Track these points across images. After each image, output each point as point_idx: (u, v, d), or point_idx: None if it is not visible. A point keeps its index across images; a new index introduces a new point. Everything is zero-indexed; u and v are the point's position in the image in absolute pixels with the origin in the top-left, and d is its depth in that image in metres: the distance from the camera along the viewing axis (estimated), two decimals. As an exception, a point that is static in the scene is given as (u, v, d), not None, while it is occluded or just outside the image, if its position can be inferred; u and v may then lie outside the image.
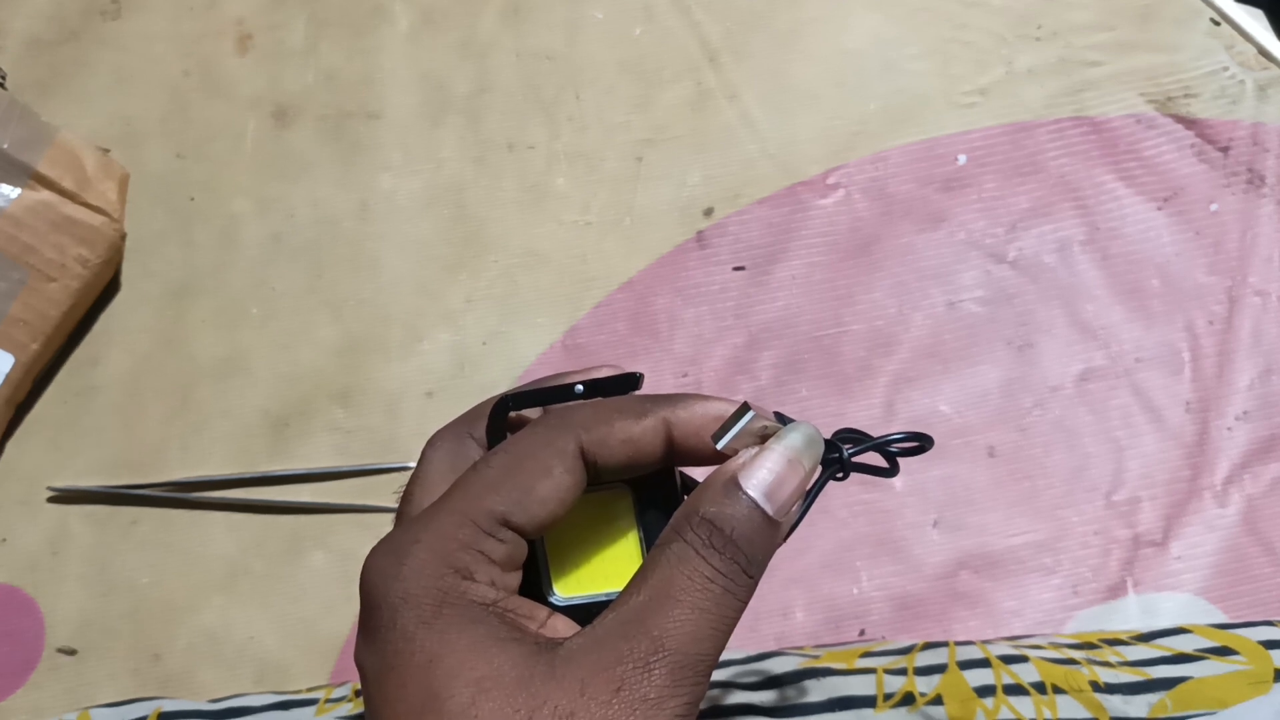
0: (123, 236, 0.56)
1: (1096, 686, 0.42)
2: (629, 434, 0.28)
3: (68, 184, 0.53)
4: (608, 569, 0.30)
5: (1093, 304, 0.53)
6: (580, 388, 0.30)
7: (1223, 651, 0.44)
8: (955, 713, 0.42)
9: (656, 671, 0.25)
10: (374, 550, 0.27)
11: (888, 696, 0.43)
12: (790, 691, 0.43)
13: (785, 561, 0.50)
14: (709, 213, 0.56)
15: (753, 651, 0.46)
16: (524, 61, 0.60)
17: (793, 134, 0.57)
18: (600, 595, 0.29)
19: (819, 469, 0.28)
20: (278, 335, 0.56)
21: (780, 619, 0.49)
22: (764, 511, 0.26)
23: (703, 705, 0.42)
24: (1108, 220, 0.55)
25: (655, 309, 0.54)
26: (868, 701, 0.42)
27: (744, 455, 0.27)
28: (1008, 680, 0.42)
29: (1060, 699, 0.42)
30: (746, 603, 0.27)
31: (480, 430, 0.30)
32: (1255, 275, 0.53)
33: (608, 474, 0.28)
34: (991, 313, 0.54)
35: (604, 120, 0.59)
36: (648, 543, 0.30)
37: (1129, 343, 0.52)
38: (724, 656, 0.46)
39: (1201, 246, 0.54)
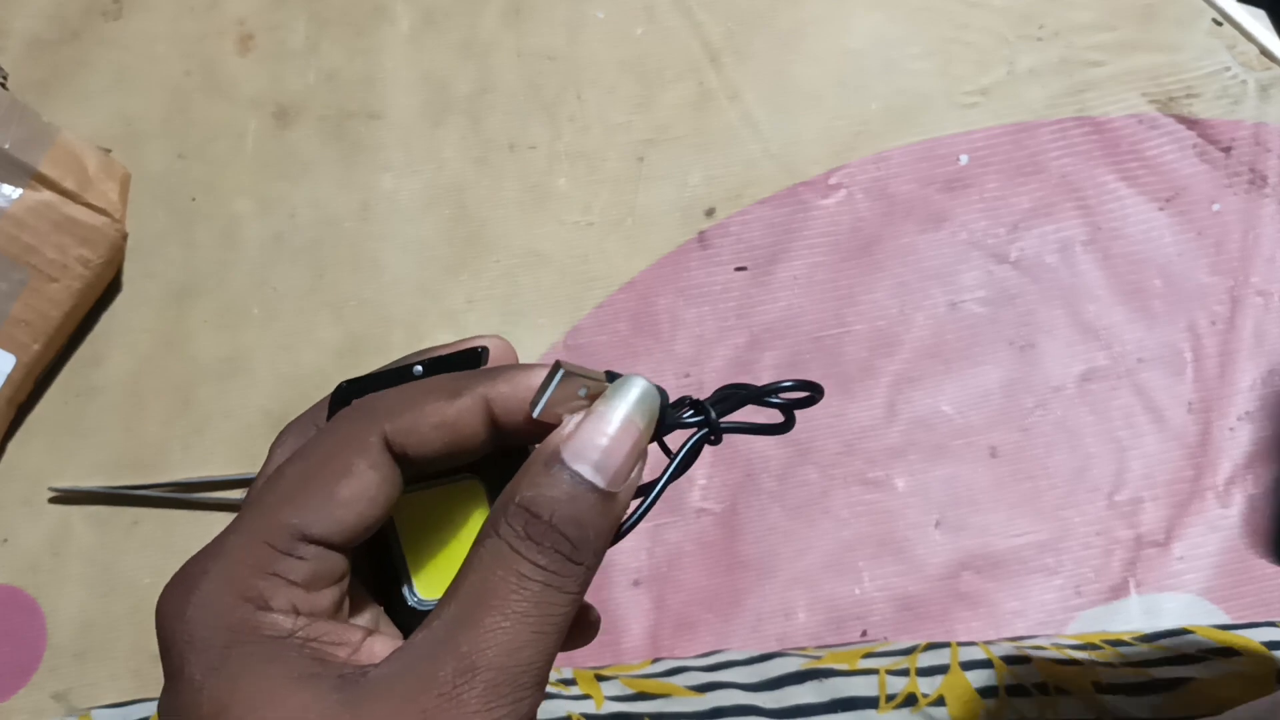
0: (124, 237, 0.56)
1: (1099, 687, 0.42)
2: (442, 417, 0.25)
3: (69, 184, 0.53)
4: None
5: (1095, 304, 0.53)
6: (419, 369, 0.27)
7: (1225, 652, 0.44)
8: (958, 713, 0.42)
9: (466, 695, 0.22)
10: (167, 584, 0.25)
11: (890, 697, 0.43)
12: (792, 692, 0.43)
13: (787, 562, 0.50)
14: (711, 213, 0.56)
15: (755, 652, 0.46)
16: (525, 61, 0.60)
17: (794, 134, 0.57)
18: None
19: (660, 425, 0.25)
20: (279, 336, 0.56)
21: (782, 619, 0.49)
22: (592, 485, 0.23)
23: (705, 707, 0.42)
24: (1110, 220, 0.55)
25: (657, 309, 0.54)
26: (870, 702, 0.42)
27: (568, 425, 0.24)
28: (1010, 681, 0.42)
29: (1063, 699, 0.42)
30: (579, 593, 0.24)
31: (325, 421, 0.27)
32: (1257, 275, 0.53)
33: (430, 464, 0.25)
34: (993, 313, 0.54)
35: (605, 120, 0.59)
36: None
37: (1131, 343, 0.52)
38: (725, 657, 0.45)
39: (1203, 247, 0.54)
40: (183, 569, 0.25)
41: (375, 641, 0.25)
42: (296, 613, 0.24)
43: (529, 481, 0.24)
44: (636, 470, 0.24)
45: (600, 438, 0.24)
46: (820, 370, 0.53)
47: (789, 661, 0.44)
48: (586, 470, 0.23)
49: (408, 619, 0.27)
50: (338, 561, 0.24)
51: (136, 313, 0.57)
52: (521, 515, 0.23)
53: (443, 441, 0.25)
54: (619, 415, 0.24)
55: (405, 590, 0.27)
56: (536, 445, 0.25)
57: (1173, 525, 0.49)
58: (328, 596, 0.24)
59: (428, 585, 0.27)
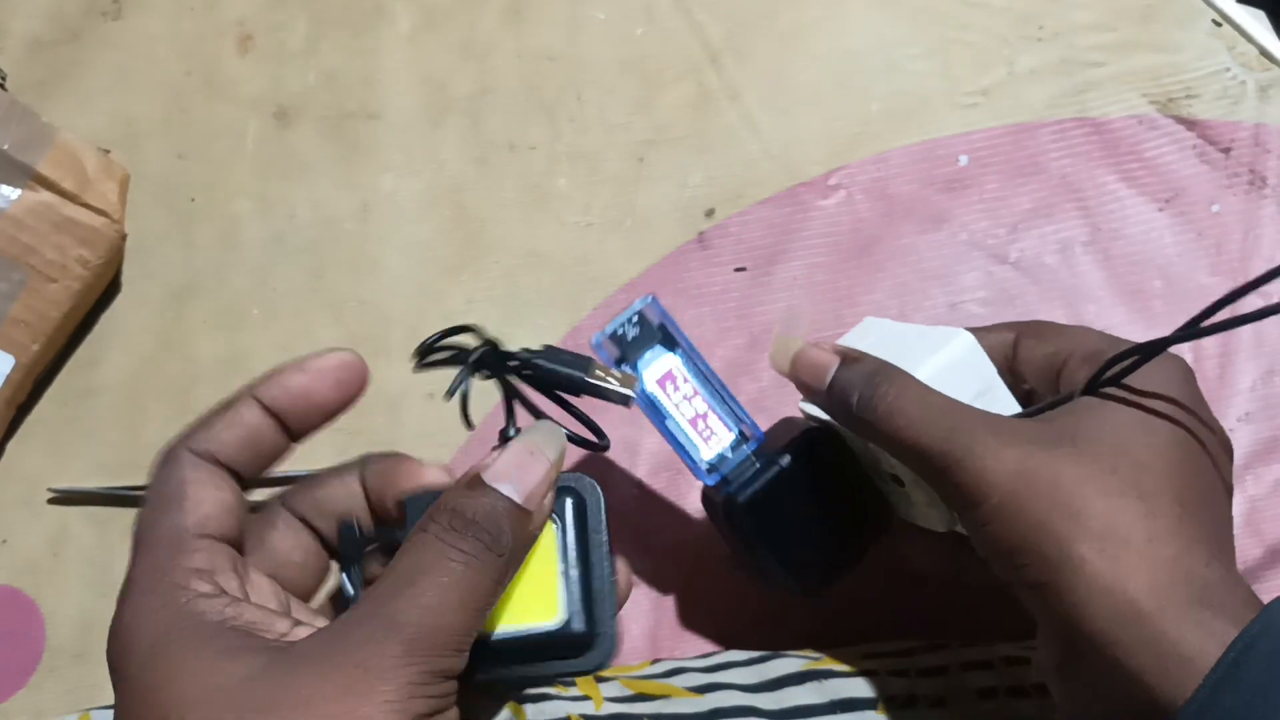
0: (123, 237, 0.56)
1: (1099, 688, 0.42)
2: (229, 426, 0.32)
3: (68, 185, 0.53)
4: (530, 600, 0.30)
5: (1094, 305, 0.53)
6: None
7: (1225, 653, 0.44)
8: (958, 714, 0.42)
9: (389, 644, 0.25)
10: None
11: (890, 698, 0.42)
12: (792, 693, 0.43)
13: (787, 563, 0.50)
14: (710, 213, 0.56)
15: (754, 653, 0.46)
16: (525, 62, 0.60)
17: (794, 135, 0.57)
18: (528, 627, 0.30)
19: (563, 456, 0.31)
20: (279, 336, 0.56)
21: (782, 620, 0.49)
22: (509, 499, 0.28)
23: (704, 708, 0.42)
24: (1109, 221, 0.55)
25: (657, 310, 0.54)
26: (869, 703, 0.42)
27: (488, 456, 0.29)
28: (1011, 682, 0.42)
29: (1063, 701, 0.42)
30: (499, 580, 0.28)
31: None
32: (1257, 276, 0.53)
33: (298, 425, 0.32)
34: (993, 314, 0.54)
35: (605, 121, 0.59)
36: (565, 565, 0.31)
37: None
38: (725, 658, 0.45)
39: (1203, 248, 0.54)
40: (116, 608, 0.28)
41: (302, 630, 0.28)
42: (223, 594, 0.27)
43: (455, 494, 0.28)
44: (549, 493, 0.29)
45: (510, 463, 0.29)
46: (820, 371, 0.53)
47: (789, 662, 0.44)
48: (505, 488, 0.28)
49: None
50: (225, 550, 0.29)
51: (136, 313, 0.57)
52: (447, 514, 0.28)
53: (240, 442, 0.31)
54: (528, 446, 0.29)
55: None
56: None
57: (1173, 526, 0.49)
58: (233, 581, 0.28)
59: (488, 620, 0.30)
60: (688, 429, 0.41)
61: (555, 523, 0.31)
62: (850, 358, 0.37)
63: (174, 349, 0.56)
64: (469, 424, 0.32)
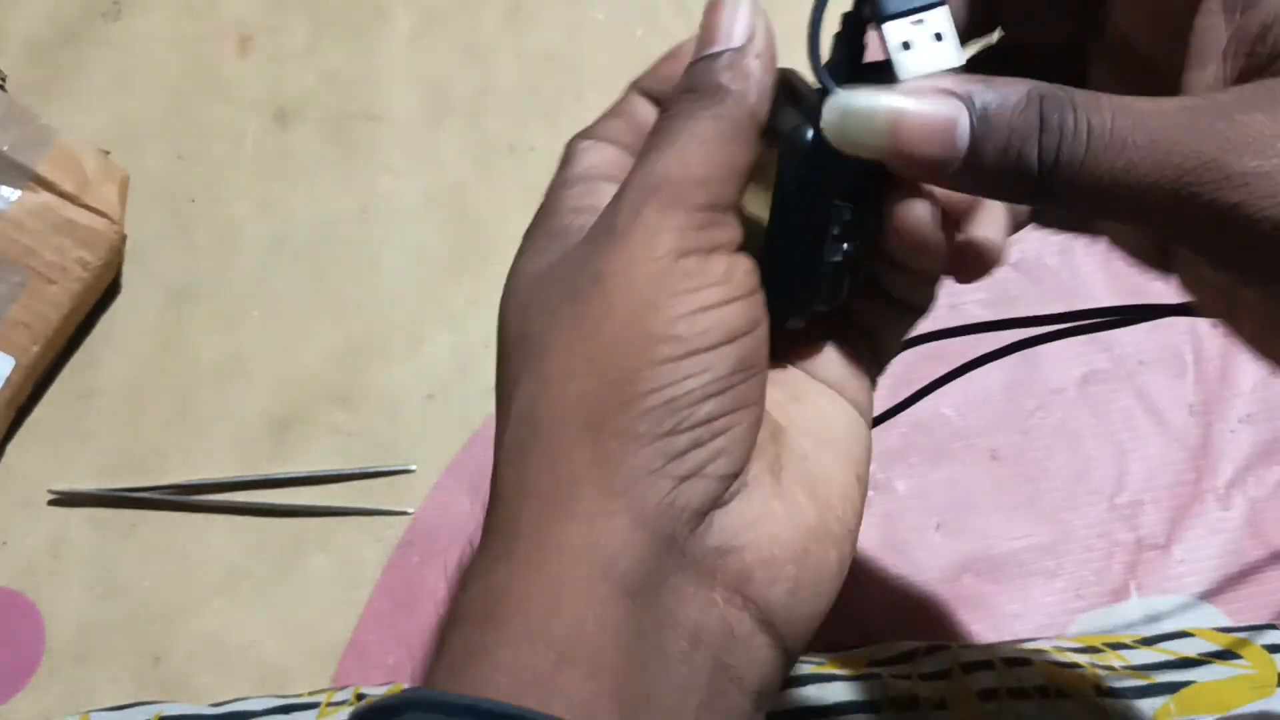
0: (123, 239, 0.56)
1: (1100, 690, 0.42)
2: None
3: (68, 186, 0.53)
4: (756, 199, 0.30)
5: (1095, 306, 0.53)
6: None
7: (1226, 655, 0.44)
8: (960, 716, 0.42)
9: (630, 195, 0.26)
10: None
11: (892, 701, 0.42)
12: (793, 695, 0.43)
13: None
14: (711, 215, 0.56)
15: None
16: (525, 63, 0.60)
17: (795, 136, 0.57)
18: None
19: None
20: (278, 338, 0.56)
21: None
22: (717, 52, 0.28)
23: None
24: (1110, 222, 0.55)
25: (657, 311, 0.54)
26: (871, 706, 0.42)
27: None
28: (1011, 684, 0.42)
29: (1064, 703, 0.42)
30: (746, 141, 0.27)
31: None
32: (1258, 277, 0.53)
33: None
34: (993, 314, 0.53)
35: (605, 122, 0.58)
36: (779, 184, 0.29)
37: (1131, 345, 0.52)
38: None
39: (1204, 248, 0.54)
40: None
41: None
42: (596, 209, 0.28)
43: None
44: (759, 32, 0.30)
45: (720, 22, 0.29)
46: (820, 372, 0.53)
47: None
48: (717, 47, 0.28)
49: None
50: (601, 177, 0.31)
51: (135, 315, 0.57)
52: (688, 77, 0.28)
53: (625, 125, 0.33)
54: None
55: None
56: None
57: (1173, 528, 0.49)
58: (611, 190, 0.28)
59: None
60: None
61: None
62: (987, 86, 0.23)
63: (174, 350, 0.56)
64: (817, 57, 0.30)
